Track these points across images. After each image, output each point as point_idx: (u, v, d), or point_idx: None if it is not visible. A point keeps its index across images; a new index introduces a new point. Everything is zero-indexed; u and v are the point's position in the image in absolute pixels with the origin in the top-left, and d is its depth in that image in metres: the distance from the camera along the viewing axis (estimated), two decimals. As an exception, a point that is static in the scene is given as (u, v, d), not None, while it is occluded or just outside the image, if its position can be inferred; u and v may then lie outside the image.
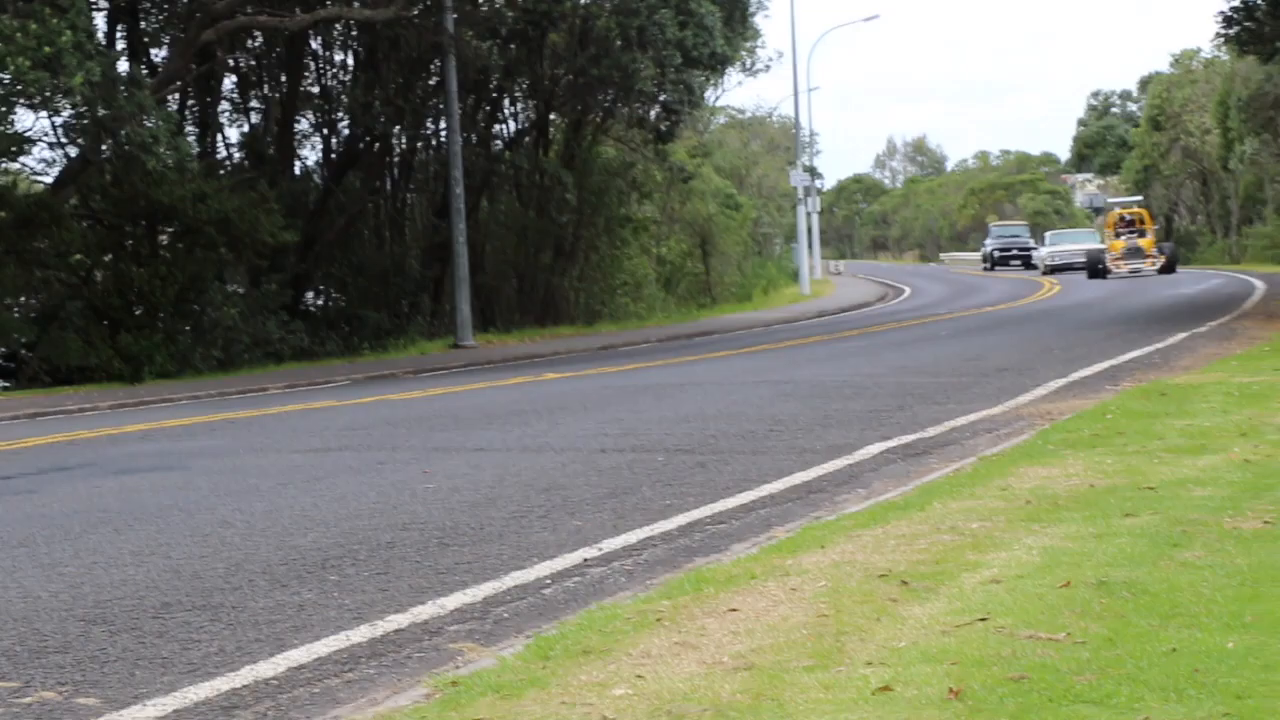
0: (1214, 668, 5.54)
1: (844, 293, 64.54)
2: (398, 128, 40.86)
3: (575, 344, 36.42)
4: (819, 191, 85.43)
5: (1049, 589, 6.83)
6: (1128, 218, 60.77)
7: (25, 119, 39.05)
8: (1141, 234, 59.08)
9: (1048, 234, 78.24)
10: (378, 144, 40.95)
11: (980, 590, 6.91)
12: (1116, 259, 57.50)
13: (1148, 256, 57.33)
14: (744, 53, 53.70)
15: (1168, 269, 57.28)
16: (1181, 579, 6.89)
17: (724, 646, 6.21)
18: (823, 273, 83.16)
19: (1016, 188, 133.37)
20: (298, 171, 40.77)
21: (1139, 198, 74.04)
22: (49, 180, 34.69)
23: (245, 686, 6.24)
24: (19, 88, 26.52)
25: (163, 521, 10.26)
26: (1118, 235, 59.34)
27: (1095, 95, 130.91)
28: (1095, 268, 58.09)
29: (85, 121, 29.40)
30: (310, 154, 42.65)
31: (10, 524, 10.41)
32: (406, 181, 43.33)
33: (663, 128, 44.25)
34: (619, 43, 39.24)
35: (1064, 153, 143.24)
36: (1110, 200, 65.51)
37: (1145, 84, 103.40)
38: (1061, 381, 17.83)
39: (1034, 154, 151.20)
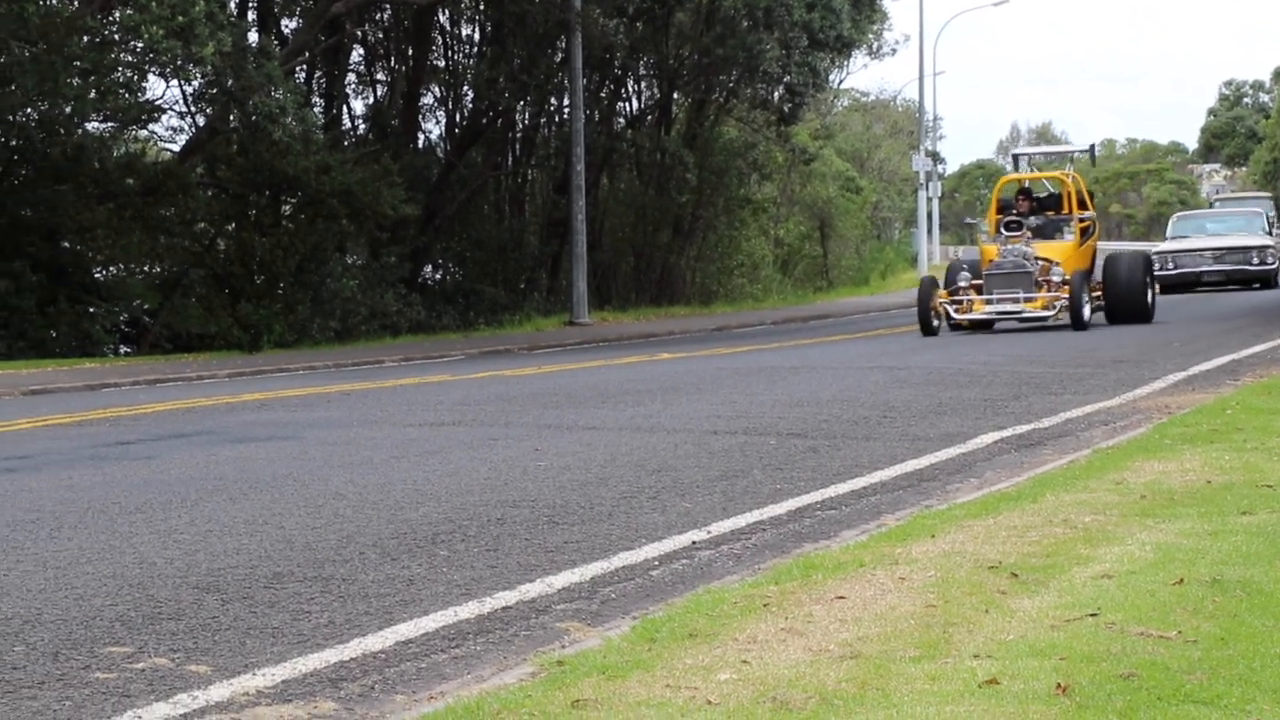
0: (1327, 673, 5.46)
1: (963, 279, 63.97)
2: (521, 104, 41.02)
3: (690, 324, 36.44)
4: (941, 177, 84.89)
5: (1161, 586, 6.75)
6: (1033, 191, 29.58)
7: (156, 87, 39.51)
8: (1054, 228, 28.65)
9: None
10: (500, 120, 41.13)
11: (1091, 585, 6.84)
12: (962, 290, 27.48)
13: (1044, 283, 26.97)
14: (870, 36, 53.43)
15: (1119, 313, 27.91)
16: (1297, 581, 6.79)
17: (831, 634, 6.18)
18: (941, 258, 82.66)
19: (1142, 176, 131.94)
20: (420, 145, 41.02)
21: (1268, 194, 59.07)
22: (176, 148, 35.11)
23: (353, 659, 6.29)
24: (152, 56, 26.87)
25: (277, 491, 10.36)
26: (1000, 231, 27.81)
27: (1227, 84, 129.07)
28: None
29: (214, 91, 29.73)
30: (434, 128, 42.95)
31: (129, 489, 10.54)
32: (528, 158, 43.49)
33: (786, 109, 44.15)
34: (745, 23, 39.16)
35: (1192, 142, 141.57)
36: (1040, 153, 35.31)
37: (1279, 75, 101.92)
38: (1180, 375, 17.62)
39: (1161, 143, 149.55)
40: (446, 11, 40.04)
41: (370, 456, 12.03)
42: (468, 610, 7.07)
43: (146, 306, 33.15)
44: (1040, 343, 23.88)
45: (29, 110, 29.12)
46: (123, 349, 31.55)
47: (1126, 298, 27.95)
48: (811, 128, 58.47)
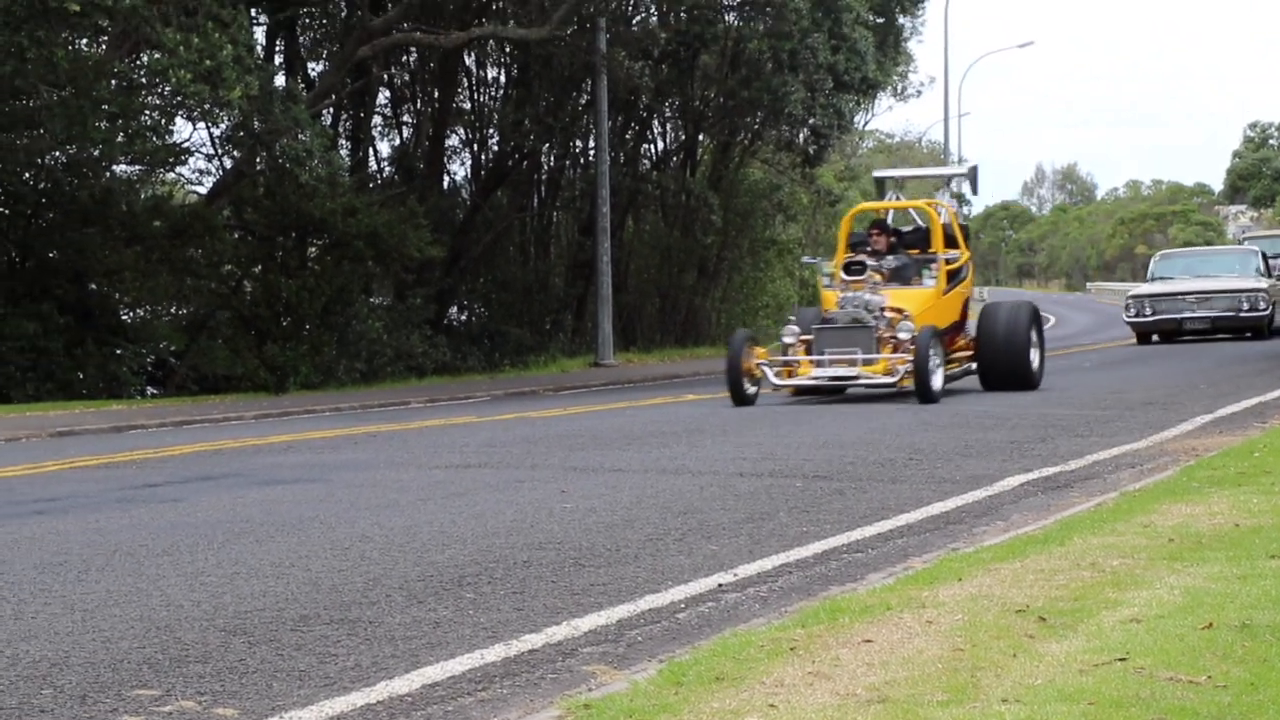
0: (1358, 718, 5.43)
1: (989, 320, 63.84)
2: (546, 145, 41.13)
3: (715, 365, 36.37)
4: (966, 218, 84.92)
5: (1190, 630, 6.73)
6: (894, 225, 24.22)
7: (183, 130, 39.71)
8: (914, 270, 23.01)
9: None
10: (526, 161, 41.23)
11: (1120, 629, 6.82)
12: (789, 348, 22.20)
13: (891, 340, 21.66)
14: (895, 78, 53.50)
15: (995, 376, 22.84)
16: (1326, 625, 6.76)
17: (858, 678, 6.17)
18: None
19: (1168, 218, 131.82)
20: (446, 187, 41.13)
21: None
22: (203, 191, 35.25)
23: (380, 702, 6.29)
24: (179, 99, 27.01)
25: (303, 534, 10.37)
26: (846, 273, 22.30)
27: (1252, 126, 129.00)
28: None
29: (241, 134, 29.85)
30: (459, 170, 43.08)
31: (156, 532, 10.56)
32: (553, 199, 43.58)
33: (811, 151, 44.20)
34: (770, 65, 39.24)
35: (1218, 184, 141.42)
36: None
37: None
38: (1208, 417, 17.58)
39: (1187, 184, 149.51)
40: (472, 54, 40.19)
41: (396, 499, 12.04)
42: (494, 653, 7.07)
43: (173, 348, 33.25)
44: (1067, 384, 23.83)
45: (57, 154, 29.27)
46: (149, 390, 31.64)
47: (1005, 358, 22.38)
48: (836, 169, 58.52)
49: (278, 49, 36.32)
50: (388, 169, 40.80)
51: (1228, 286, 36.63)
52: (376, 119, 40.66)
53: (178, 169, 34.99)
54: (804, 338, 21.77)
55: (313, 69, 37.35)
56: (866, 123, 66.43)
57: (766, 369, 21.70)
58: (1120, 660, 6.27)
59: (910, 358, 20.84)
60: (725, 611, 8.02)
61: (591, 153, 40.33)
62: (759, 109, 41.73)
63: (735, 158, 47.30)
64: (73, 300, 30.04)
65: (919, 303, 21.92)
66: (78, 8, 24.17)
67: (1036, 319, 23.05)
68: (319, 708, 6.17)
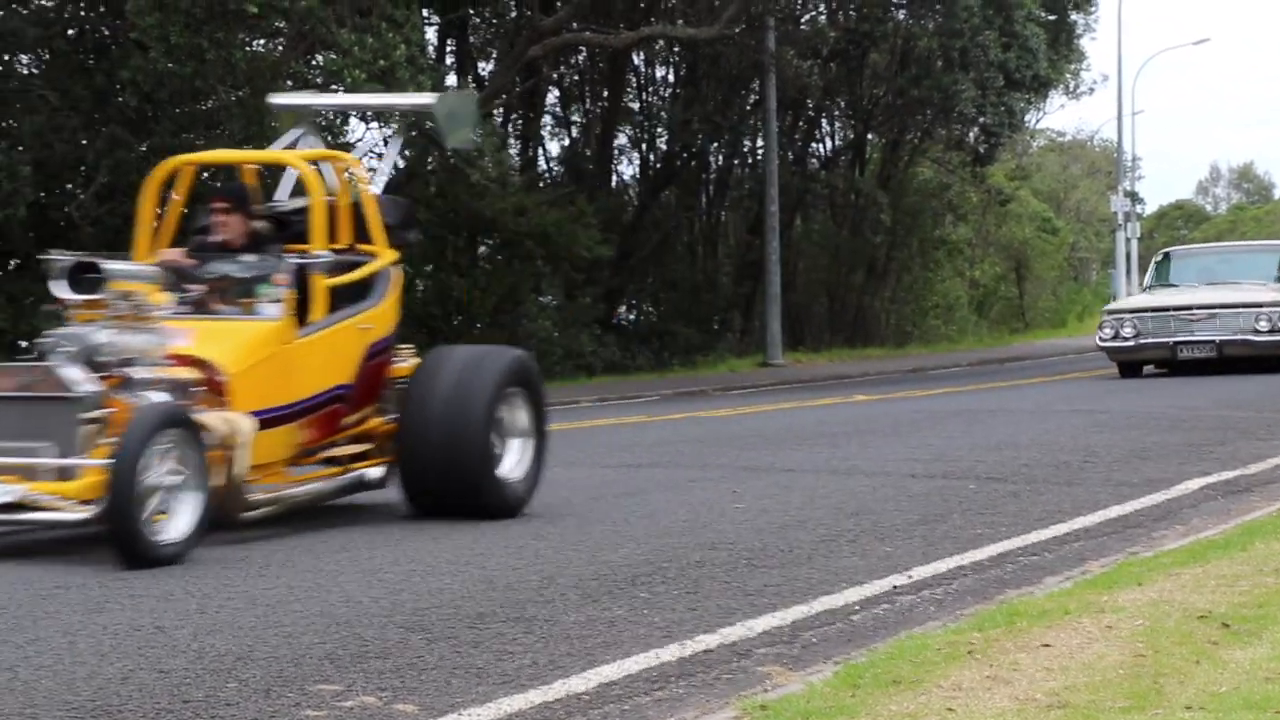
0: None
1: (1162, 321, 63.05)
2: (715, 145, 41.13)
3: (885, 365, 36.26)
4: (1139, 217, 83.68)
5: (1378, 639, 6.60)
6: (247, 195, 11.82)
7: (356, 130, 40.13)
8: (241, 289, 11.12)
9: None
10: (694, 161, 41.25)
11: (1305, 637, 6.70)
12: None
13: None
14: (1068, 75, 52.82)
15: (426, 483, 11.25)
16: None
17: (1037, 683, 6.11)
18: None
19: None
20: (615, 186, 41.26)
21: None
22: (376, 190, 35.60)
23: (557, 700, 6.32)
24: (353, 100, 27.28)
25: (476, 533, 10.45)
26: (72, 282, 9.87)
27: None
28: None
29: (414, 134, 30.13)
30: (627, 169, 43.16)
31: (332, 529, 10.68)
32: (721, 198, 43.57)
33: (981, 150, 43.83)
34: (940, 63, 38.94)
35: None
36: None
37: None
38: (1392, 421, 17.22)
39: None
40: (641, 54, 40.26)
41: (569, 498, 12.09)
42: (669, 652, 7.09)
43: (347, 346, 33.64)
44: (1247, 386, 23.40)
45: (235, 154, 29.73)
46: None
47: (442, 455, 11.26)
48: (1007, 168, 57.90)
49: (449, 49, 36.62)
50: (557, 168, 41.00)
51: (1241, 299, 27.29)
52: (546, 119, 40.87)
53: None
54: None
55: (483, 69, 37.61)
56: (1038, 121, 65.69)
57: None
58: (1307, 669, 6.16)
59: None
60: (900, 614, 7.99)
61: (760, 152, 40.28)
62: (929, 107, 41.45)
63: (904, 156, 47.03)
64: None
65: (238, 350, 10.65)
66: (256, 9, 24.51)
67: (517, 378, 11.84)
68: (496, 705, 6.22)
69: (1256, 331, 26.70)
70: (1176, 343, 26.95)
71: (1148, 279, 30.21)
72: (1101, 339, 27.70)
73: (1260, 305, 26.84)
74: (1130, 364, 27.67)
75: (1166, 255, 30.76)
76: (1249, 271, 28.54)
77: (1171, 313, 27.25)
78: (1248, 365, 26.59)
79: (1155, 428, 17.10)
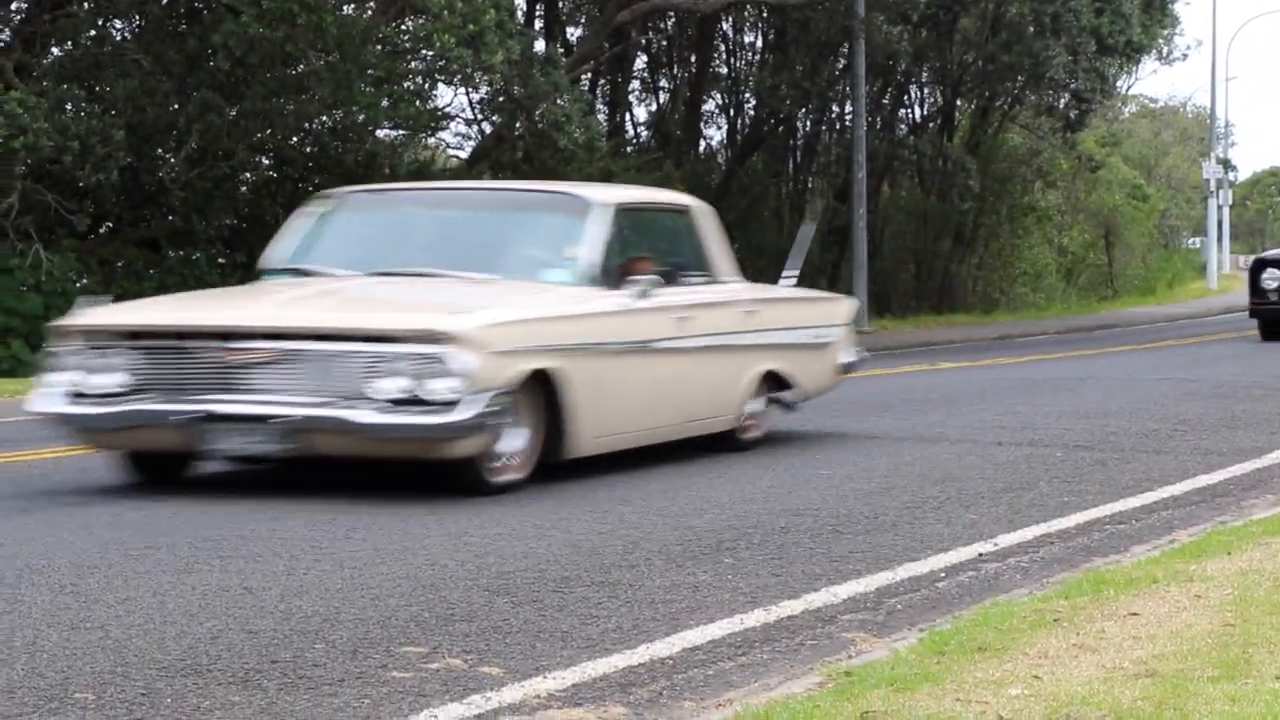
0: None
1: (1254, 289, 62.45)
2: (802, 110, 40.97)
3: (971, 333, 36.06)
4: (1232, 184, 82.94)
5: None
6: None
7: (445, 95, 40.22)
8: None
9: None
10: (781, 126, 41.13)
11: (1397, 609, 6.63)
12: None
13: None
14: (1160, 41, 52.30)
15: None
16: None
17: (1124, 651, 6.08)
18: (1231, 268, 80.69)
19: None
20: (702, 152, 41.19)
21: None
22: (464, 155, 35.70)
23: (641, 664, 6.34)
24: (442, 64, 27.32)
25: (563, 498, 10.47)
26: None
27: None
28: None
29: (502, 99, 30.17)
30: (715, 135, 43.07)
31: (417, 491, 10.74)
32: (808, 165, 43.42)
33: (1072, 116, 43.42)
34: (1031, 29, 38.59)
35: None
36: None
37: None
38: None
39: None
40: (730, 19, 40.14)
41: (654, 463, 12.10)
42: (754, 618, 7.09)
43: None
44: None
45: (324, 118, 29.82)
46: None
47: None
48: (1098, 134, 57.34)
49: (538, 14, 36.62)
50: (644, 134, 40.96)
51: None
52: (634, 84, 40.83)
53: (439, 134, 35.45)
54: None
55: (571, 34, 37.60)
56: (1130, 87, 65.18)
57: None
58: (1398, 640, 6.10)
59: None
60: (986, 581, 7.96)
61: (848, 118, 40.10)
62: (1019, 73, 41.09)
63: (994, 123, 46.69)
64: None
65: None
66: (347, -27, 24.61)
67: None
68: (581, 669, 6.25)
69: None
70: None
71: None
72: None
73: None
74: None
75: None
76: None
77: None
78: None
79: (1246, 396, 16.96)
